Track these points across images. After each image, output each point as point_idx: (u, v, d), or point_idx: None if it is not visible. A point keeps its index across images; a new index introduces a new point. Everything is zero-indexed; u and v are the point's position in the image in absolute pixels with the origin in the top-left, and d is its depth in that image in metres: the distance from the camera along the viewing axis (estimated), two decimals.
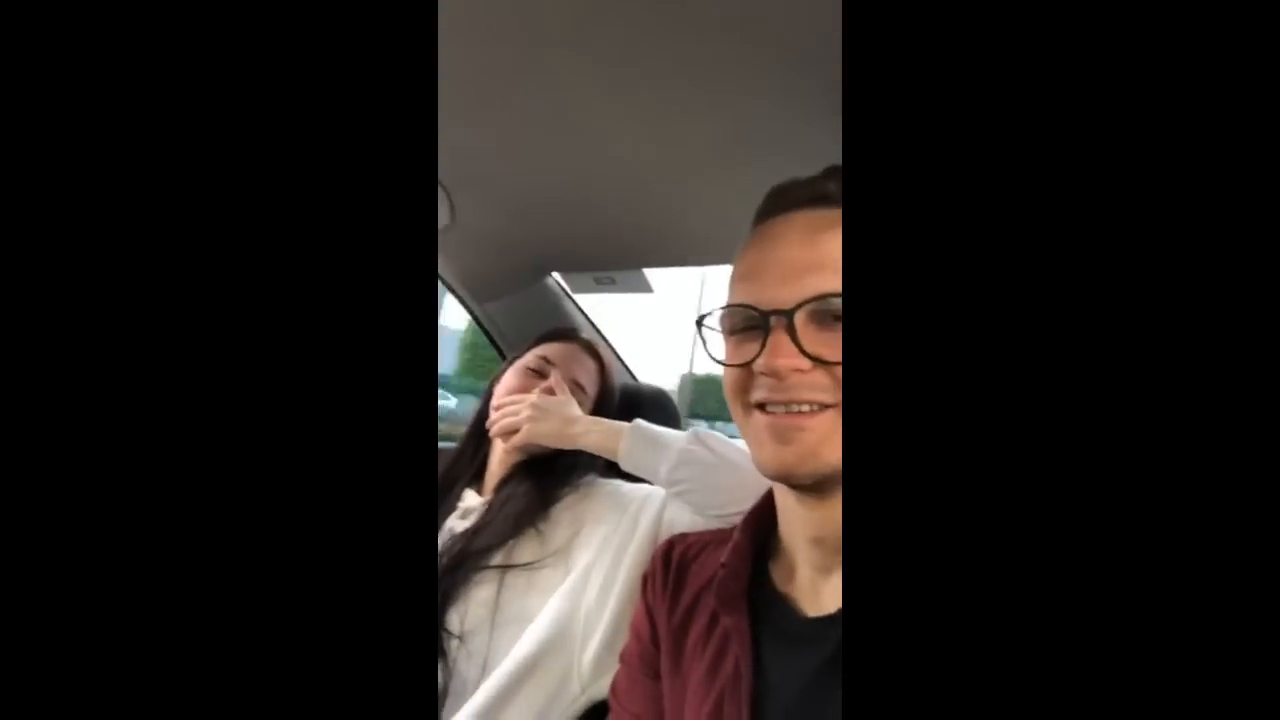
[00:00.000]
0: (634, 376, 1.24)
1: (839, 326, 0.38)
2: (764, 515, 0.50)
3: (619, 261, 1.02)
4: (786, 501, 0.46)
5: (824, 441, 0.39)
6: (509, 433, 0.74)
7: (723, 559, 0.48)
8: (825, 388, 0.39)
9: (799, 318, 0.38)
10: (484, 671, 0.61)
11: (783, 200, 0.44)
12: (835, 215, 0.41)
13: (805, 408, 0.39)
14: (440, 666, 0.63)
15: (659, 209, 0.82)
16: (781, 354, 0.38)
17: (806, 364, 0.38)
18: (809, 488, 0.41)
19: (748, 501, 0.53)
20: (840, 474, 0.39)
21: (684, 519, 0.63)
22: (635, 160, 0.70)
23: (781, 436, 0.39)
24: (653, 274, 1.05)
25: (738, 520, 0.51)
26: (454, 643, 0.63)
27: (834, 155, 0.56)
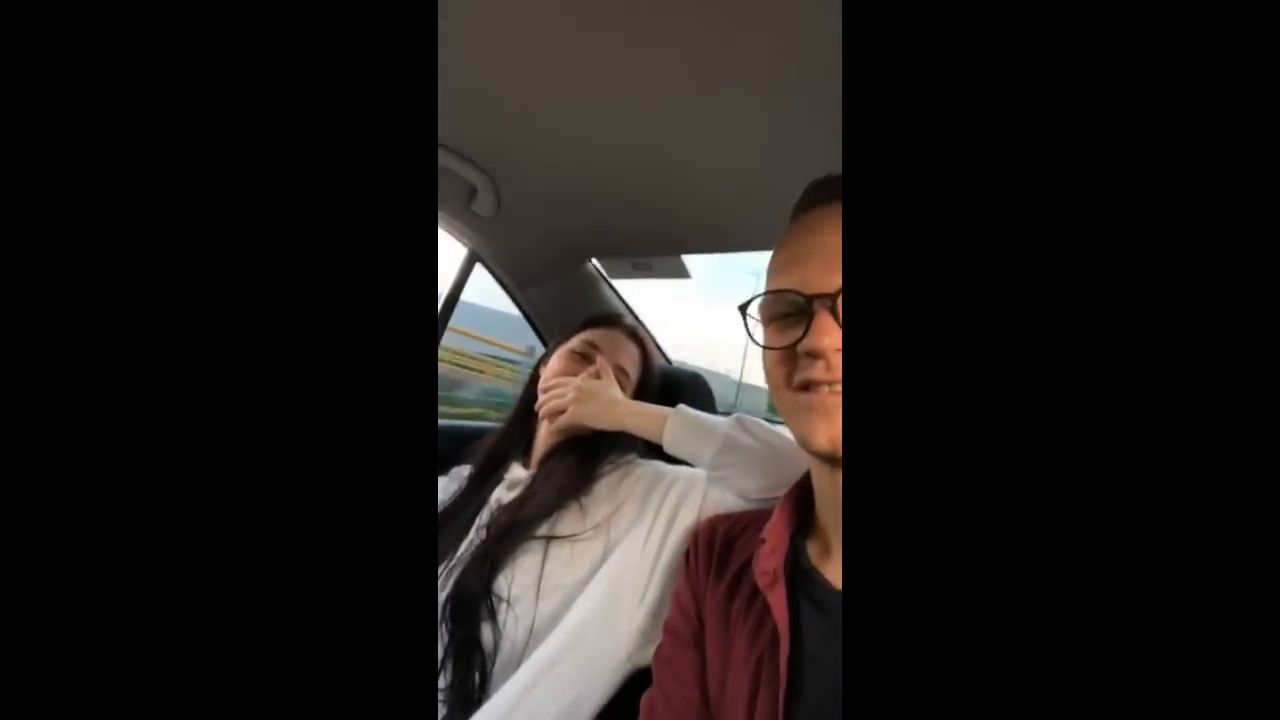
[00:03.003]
0: (669, 360, 1.27)
1: None
2: (801, 495, 0.53)
3: (656, 248, 1.04)
4: (824, 480, 0.48)
5: None
6: (556, 414, 0.77)
7: (762, 535, 0.51)
8: None
9: (841, 301, 0.41)
10: (530, 634, 0.65)
11: (821, 193, 0.46)
12: None
13: None
14: (489, 628, 0.67)
15: (695, 197, 0.84)
16: (827, 334, 0.40)
17: None
18: None
19: (787, 485, 0.55)
20: None
21: (725, 500, 0.66)
22: (672, 150, 0.72)
23: (828, 414, 0.41)
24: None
25: (775, 502, 0.54)
26: (503, 606, 0.68)
27: None
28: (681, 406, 0.71)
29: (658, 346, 1.28)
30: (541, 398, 0.80)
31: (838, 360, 0.41)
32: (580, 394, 0.76)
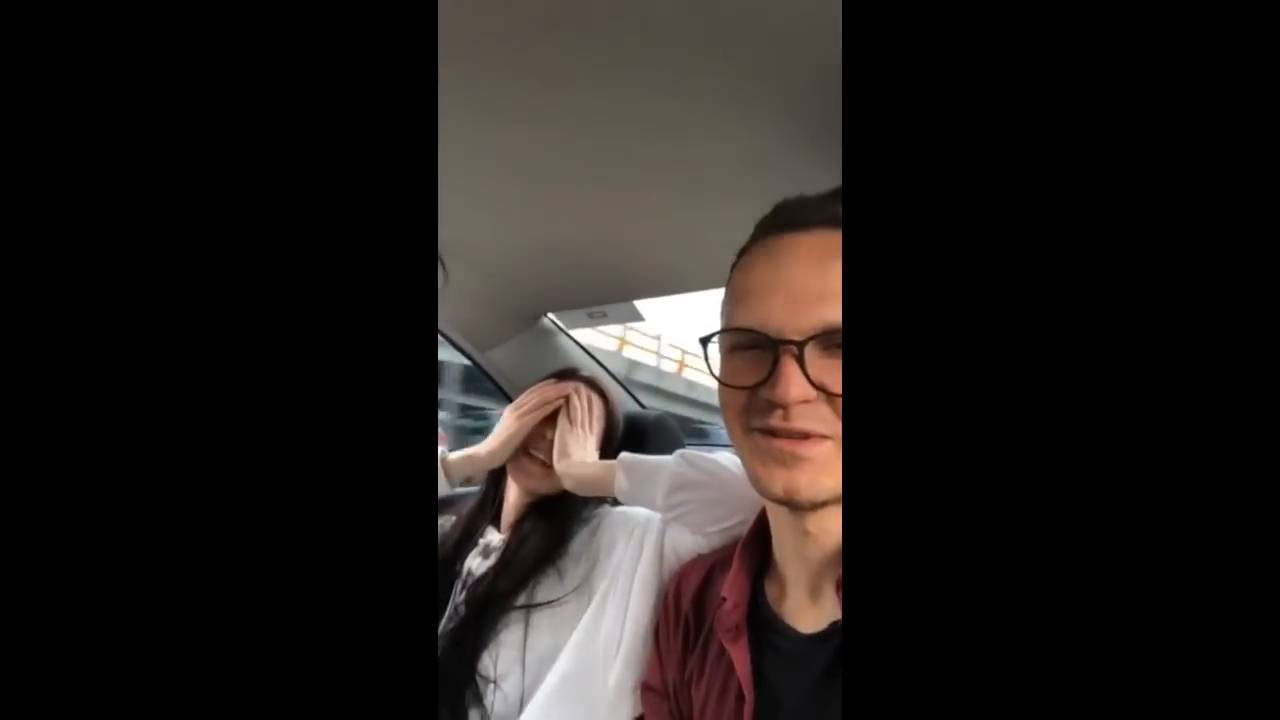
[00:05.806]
0: (640, 404, 1.26)
1: (841, 355, 0.38)
2: (758, 539, 0.52)
3: (609, 296, 1.05)
4: (781, 523, 0.47)
5: (825, 468, 0.39)
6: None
7: (722, 591, 0.50)
8: (827, 417, 0.39)
9: (809, 349, 0.38)
10: (521, 710, 0.62)
11: (793, 217, 0.42)
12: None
13: (810, 435, 0.39)
14: (477, 713, 0.64)
15: (642, 245, 0.85)
16: (793, 385, 0.38)
17: (814, 394, 0.38)
18: (804, 509, 0.41)
19: (741, 513, 0.55)
20: (835, 497, 0.40)
21: (685, 540, 0.65)
22: (615, 201, 0.73)
23: (785, 462, 0.39)
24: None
25: (735, 531, 0.54)
26: (490, 687, 0.65)
27: (807, 187, 0.58)
28: (624, 455, 0.71)
29: (627, 391, 1.27)
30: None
31: (801, 410, 0.38)
32: (561, 443, 0.76)
